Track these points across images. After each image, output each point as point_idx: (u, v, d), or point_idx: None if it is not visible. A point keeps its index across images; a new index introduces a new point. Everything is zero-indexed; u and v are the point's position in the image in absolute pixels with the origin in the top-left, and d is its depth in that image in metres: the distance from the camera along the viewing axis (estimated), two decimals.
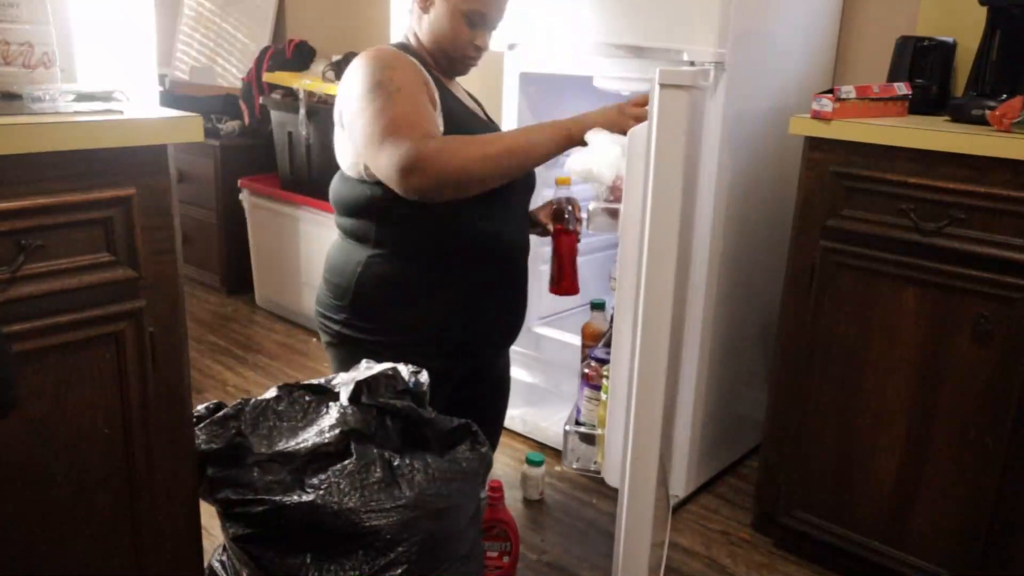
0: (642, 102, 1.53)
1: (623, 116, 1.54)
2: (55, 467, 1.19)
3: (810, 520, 1.93)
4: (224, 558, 1.48)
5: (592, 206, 2.02)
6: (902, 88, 1.88)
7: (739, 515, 2.19)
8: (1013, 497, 1.64)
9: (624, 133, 1.48)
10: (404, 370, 1.42)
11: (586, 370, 1.74)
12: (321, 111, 3.19)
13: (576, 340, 2.30)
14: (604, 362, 1.66)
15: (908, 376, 1.73)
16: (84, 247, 1.15)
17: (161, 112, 1.22)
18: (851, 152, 1.73)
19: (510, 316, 1.72)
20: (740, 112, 2.01)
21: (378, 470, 1.30)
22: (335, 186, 1.63)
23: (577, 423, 1.78)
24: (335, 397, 1.40)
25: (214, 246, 3.80)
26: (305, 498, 1.27)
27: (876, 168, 1.70)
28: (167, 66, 4.25)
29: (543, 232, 1.81)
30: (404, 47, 1.64)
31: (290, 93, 3.39)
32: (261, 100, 3.58)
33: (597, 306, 1.91)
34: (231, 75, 4.06)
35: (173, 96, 4.01)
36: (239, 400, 1.41)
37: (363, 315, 1.59)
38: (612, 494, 1.56)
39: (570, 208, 1.73)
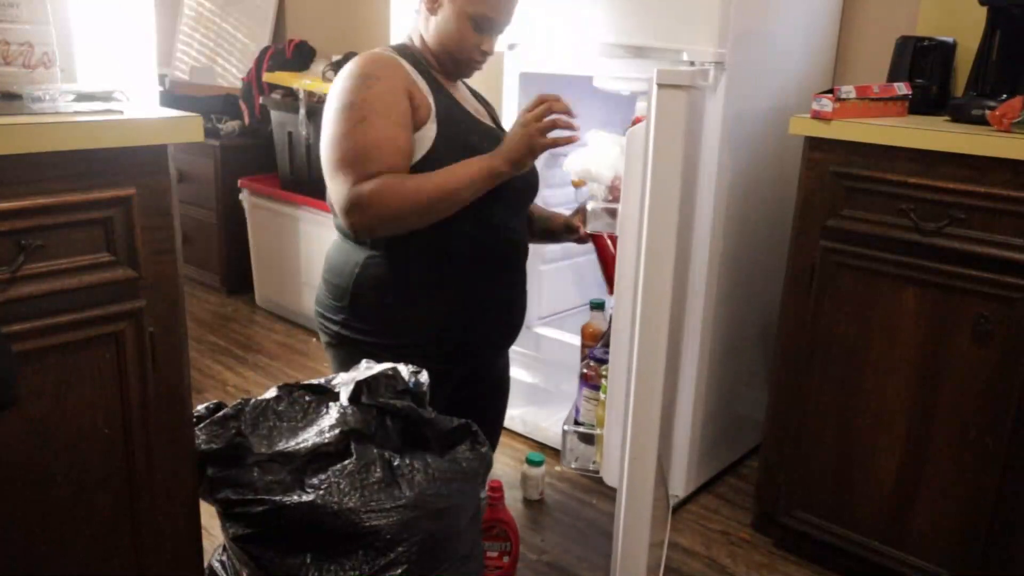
0: (534, 106, 1.48)
1: (525, 129, 1.46)
2: (55, 467, 1.19)
3: (810, 520, 1.93)
4: (224, 558, 1.48)
5: (591, 206, 2.03)
6: (902, 88, 1.88)
7: (739, 515, 2.19)
8: (1013, 497, 1.64)
9: (533, 147, 1.46)
10: (404, 370, 1.42)
11: (585, 370, 1.74)
12: (321, 111, 3.18)
13: (576, 340, 2.30)
14: (603, 362, 1.66)
15: (908, 376, 1.73)
16: (84, 247, 1.15)
17: (161, 112, 1.22)
18: (851, 152, 1.73)
19: (508, 317, 1.72)
20: (740, 112, 2.01)
21: (378, 470, 1.30)
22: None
23: (576, 423, 1.78)
24: (335, 397, 1.40)
25: (214, 246, 3.80)
26: (305, 498, 1.27)
27: (876, 168, 1.70)
28: (167, 66, 4.25)
29: (581, 239, 1.81)
30: (404, 48, 1.64)
31: (290, 93, 3.39)
32: (261, 100, 3.58)
33: (597, 306, 1.91)
34: (231, 75, 4.06)
35: (173, 96, 4.01)
36: (239, 400, 1.41)
37: (361, 316, 1.59)
38: (612, 494, 1.56)
39: None
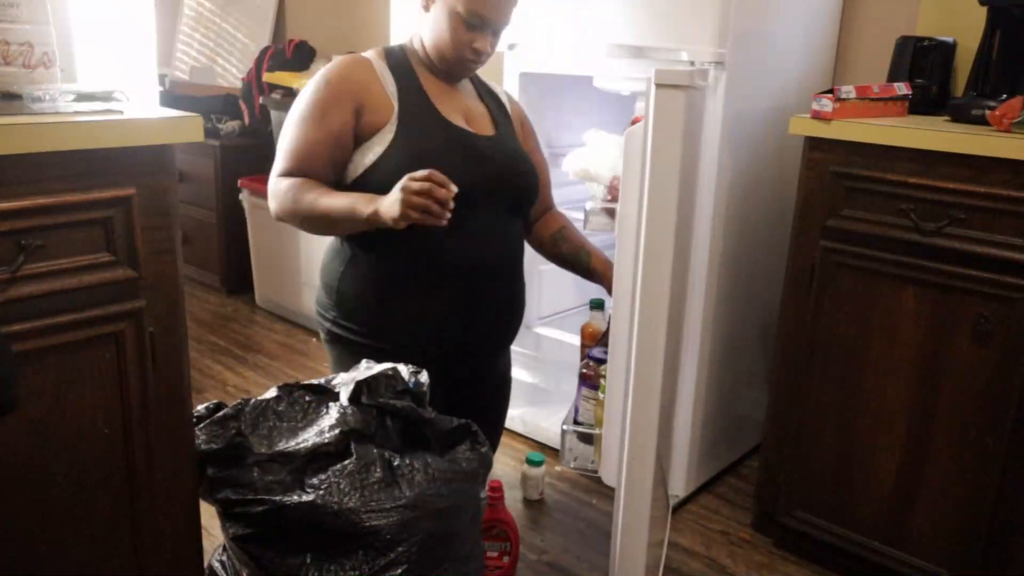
0: (423, 178, 1.36)
1: (401, 196, 1.38)
2: (55, 467, 1.19)
3: (810, 520, 1.93)
4: (224, 558, 1.48)
5: (589, 206, 2.03)
6: (902, 88, 1.88)
7: (739, 515, 2.19)
8: (1013, 497, 1.64)
9: (397, 217, 1.38)
10: (404, 370, 1.42)
11: (584, 370, 1.74)
12: None
13: (576, 340, 2.30)
14: (602, 362, 1.66)
15: (908, 376, 1.73)
16: (84, 247, 1.15)
17: (161, 112, 1.22)
18: (851, 152, 1.73)
19: (496, 322, 1.69)
20: (740, 112, 2.01)
21: (378, 470, 1.30)
22: None
23: (575, 423, 1.78)
24: (335, 397, 1.41)
25: (214, 246, 3.80)
26: (305, 498, 1.27)
27: (876, 168, 1.70)
28: (167, 66, 4.25)
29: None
30: (394, 50, 1.65)
31: (290, 93, 3.39)
32: (261, 100, 3.58)
33: (596, 306, 1.91)
34: (231, 75, 4.06)
35: (173, 96, 4.01)
36: (239, 400, 1.41)
37: (348, 316, 1.62)
38: (612, 494, 1.55)
39: None
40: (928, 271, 1.66)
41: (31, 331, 1.12)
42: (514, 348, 1.88)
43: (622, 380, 1.46)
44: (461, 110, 1.65)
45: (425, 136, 1.55)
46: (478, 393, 1.76)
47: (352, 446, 1.32)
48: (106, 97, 1.22)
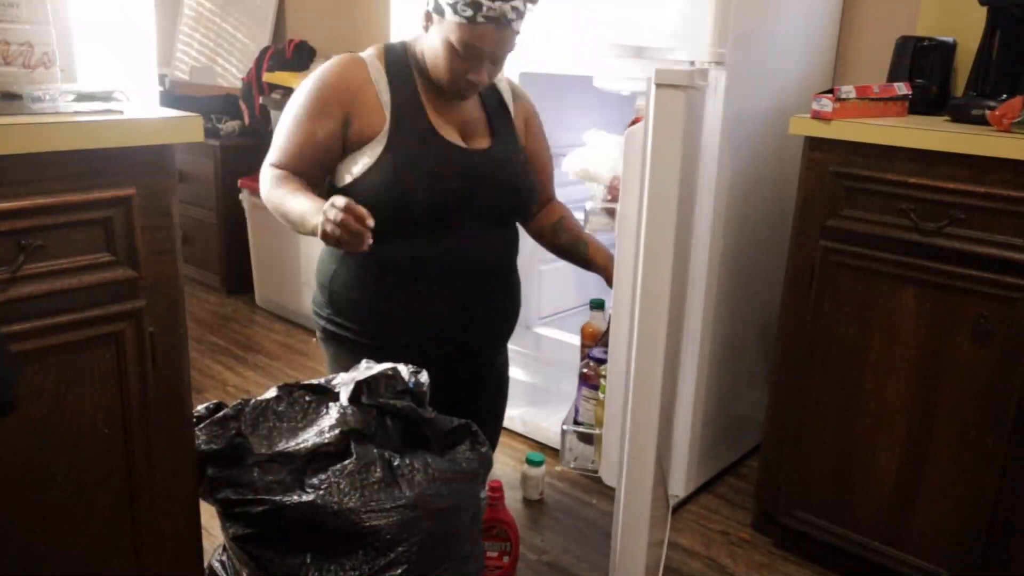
0: (345, 208, 1.34)
1: (323, 216, 1.37)
2: (55, 467, 1.19)
3: (810, 520, 1.93)
4: (224, 558, 1.48)
5: (589, 205, 2.02)
6: (902, 88, 1.88)
7: (739, 515, 2.19)
8: (1013, 497, 1.64)
9: (318, 233, 1.38)
10: (404, 370, 1.42)
11: (584, 370, 1.74)
12: None
13: (576, 340, 2.30)
14: (602, 362, 1.66)
15: (908, 376, 1.73)
16: (84, 247, 1.15)
17: (161, 112, 1.22)
18: (851, 152, 1.73)
19: (485, 323, 1.68)
20: (740, 112, 2.01)
21: (378, 470, 1.30)
22: None
23: (575, 422, 1.78)
24: (335, 397, 1.41)
25: (214, 246, 3.80)
26: (305, 498, 1.27)
27: (876, 168, 1.70)
28: (167, 66, 4.25)
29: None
30: (397, 48, 1.61)
31: (290, 93, 3.38)
32: (261, 100, 3.58)
33: (597, 306, 1.91)
34: (231, 75, 4.06)
35: (173, 96, 4.01)
36: (239, 400, 1.41)
37: (341, 313, 1.63)
38: (612, 494, 1.55)
39: None
40: (928, 271, 1.66)
41: (31, 331, 1.12)
42: (514, 348, 1.88)
43: (622, 380, 1.46)
44: (456, 120, 1.62)
45: (414, 152, 1.53)
46: (475, 392, 1.76)
47: (352, 446, 1.32)
48: (106, 97, 1.23)
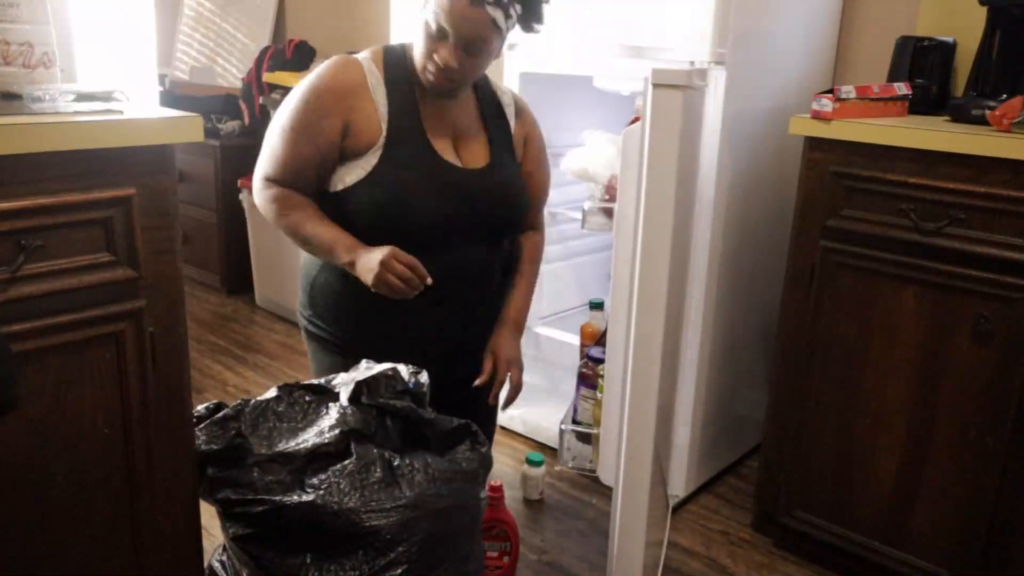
0: (406, 263, 1.43)
1: (381, 268, 1.42)
2: (55, 467, 1.19)
3: (810, 520, 1.93)
4: (224, 558, 1.48)
5: (587, 205, 2.03)
6: (902, 88, 1.88)
7: (739, 515, 2.19)
8: (1013, 497, 1.64)
9: (371, 283, 1.43)
10: (404, 370, 1.42)
11: (582, 369, 1.75)
12: None
13: (575, 340, 2.31)
14: (600, 361, 1.66)
15: (908, 376, 1.73)
16: (84, 247, 1.15)
17: (161, 112, 1.22)
18: (851, 152, 1.73)
19: (473, 330, 1.66)
20: (740, 112, 2.01)
21: (378, 470, 1.30)
22: None
23: (574, 422, 1.79)
24: (335, 397, 1.41)
25: (214, 246, 3.80)
26: (305, 498, 1.27)
27: (876, 168, 1.70)
28: (167, 66, 4.25)
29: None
30: (396, 51, 1.59)
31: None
32: (261, 100, 3.58)
33: (596, 306, 1.92)
34: (231, 75, 4.06)
35: (173, 96, 4.00)
36: (239, 400, 1.41)
37: (318, 314, 1.65)
38: (611, 494, 1.56)
39: None
40: (928, 271, 1.67)
41: (31, 331, 1.12)
42: None
43: (619, 380, 1.46)
44: (454, 136, 1.59)
45: (408, 170, 1.51)
46: (470, 393, 1.74)
47: (352, 446, 1.32)
48: (106, 97, 1.22)
